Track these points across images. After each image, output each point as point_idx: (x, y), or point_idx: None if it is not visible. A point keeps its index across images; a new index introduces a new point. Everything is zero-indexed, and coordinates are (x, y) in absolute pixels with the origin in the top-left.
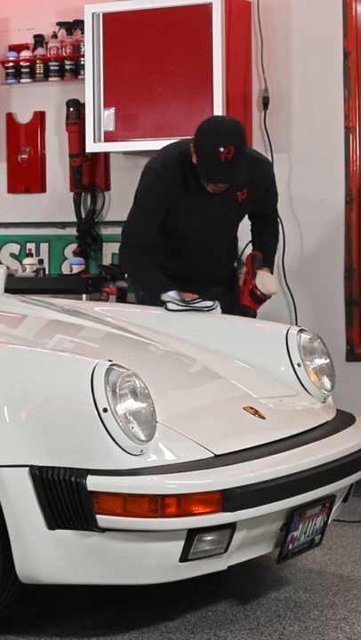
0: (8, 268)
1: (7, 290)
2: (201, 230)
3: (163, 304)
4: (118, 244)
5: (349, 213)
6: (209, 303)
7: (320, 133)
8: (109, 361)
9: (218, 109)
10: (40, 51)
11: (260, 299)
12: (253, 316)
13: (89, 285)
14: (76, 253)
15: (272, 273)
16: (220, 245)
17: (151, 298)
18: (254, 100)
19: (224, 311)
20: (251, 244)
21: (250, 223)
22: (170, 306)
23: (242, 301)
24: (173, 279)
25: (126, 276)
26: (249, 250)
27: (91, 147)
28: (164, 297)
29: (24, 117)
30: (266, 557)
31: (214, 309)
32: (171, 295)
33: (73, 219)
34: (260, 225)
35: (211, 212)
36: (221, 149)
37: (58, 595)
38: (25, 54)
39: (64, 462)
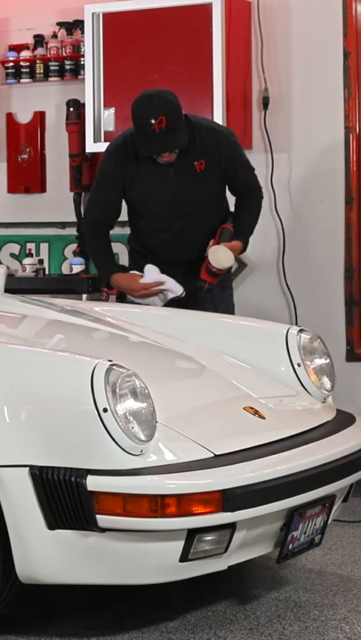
0: (8, 267)
1: (7, 290)
2: (164, 205)
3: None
4: (118, 244)
5: (349, 213)
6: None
7: (320, 133)
8: (109, 361)
9: (218, 109)
10: (40, 51)
11: (215, 273)
12: (208, 290)
13: (89, 285)
14: (76, 253)
15: (244, 248)
16: (194, 223)
17: (100, 276)
18: (254, 100)
19: (211, 308)
20: (230, 218)
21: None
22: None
23: (200, 275)
24: (162, 265)
25: None
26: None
27: (91, 147)
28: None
29: (24, 117)
30: (266, 557)
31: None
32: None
33: (73, 219)
34: (239, 200)
35: (169, 185)
36: (153, 121)
37: (58, 595)
38: (25, 54)
39: (64, 462)
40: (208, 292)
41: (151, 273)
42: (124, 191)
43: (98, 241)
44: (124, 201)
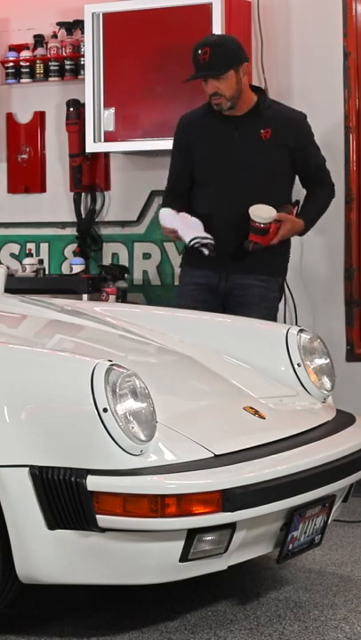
0: (8, 267)
1: (7, 290)
2: (228, 167)
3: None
4: (118, 244)
5: (349, 213)
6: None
7: (320, 133)
8: (109, 361)
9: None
10: (40, 51)
11: (259, 229)
12: (254, 249)
13: (89, 285)
14: (76, 253)
15: (306, 229)
16: (256, 191)
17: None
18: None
19: (244, 306)
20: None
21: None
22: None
23: (248, 237)
24: (200, 257)
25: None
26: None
27: (91, 147)
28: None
29: (24, 117)
30: (266, 557)
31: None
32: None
33: (73, 219)
34: (306, 188)
35: (230, 146)
36: (199, 52)
37: (58, 595)
38: (25, 54)
39: (64, 462)
40: (256, 296)
41: (167, 218)
42: (189, 154)
43: (170, 201)
44: None
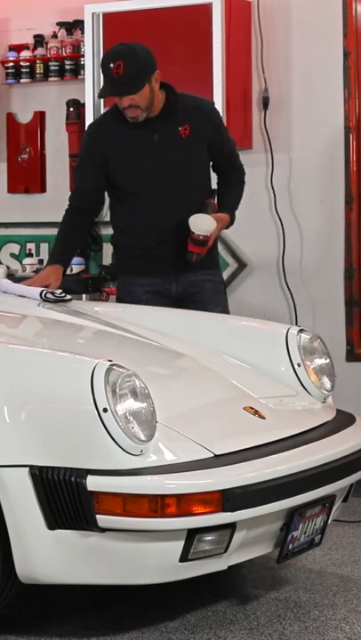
0: (8, 267)
1: None
2: (149, 174)
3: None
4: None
5: (349, 213)
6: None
7: (320, 133)
8: (109, 361)
9: (218, 109)
10: (40, 51)
11: (200, 241)
12: (197, 260)
13: (89, 285)
14: (76, 253)
15: (232, 221)
16: (183, 199)
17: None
18: (254, 100)
19: (205, 301)
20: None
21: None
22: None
23: (187, 247)
24: (146, 262)
25: None
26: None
27: None
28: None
29: (24, 117)
30: (266, 557)
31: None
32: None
33: None
34: (223, 176)
35: (151, 152)
36: (111, 65)
37: (58, 595)
38: (25, 54)
39: (64, 462)
40: (204, 299)
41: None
42: (105, 166)
43: (69, 223)
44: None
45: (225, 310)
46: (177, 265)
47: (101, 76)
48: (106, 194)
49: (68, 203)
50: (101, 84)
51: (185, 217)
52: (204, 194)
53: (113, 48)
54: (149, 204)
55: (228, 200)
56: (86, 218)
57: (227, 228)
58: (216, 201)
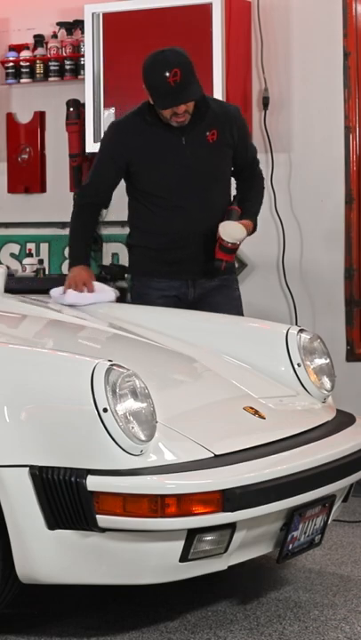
0: (8, 267)
1: (7, 290)
2: (175, 178)
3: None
4: (118, 244)
5: (349, 213)
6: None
7: (320, 133)
8: (109, 361)
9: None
10: (40, 51)
11: (229, 249)
12: (227, 268)
13: None
14: None
15: (255, 227)
16: (207, 204)
17: (70, 256)
18: (254, 100)
19: (217, 307)
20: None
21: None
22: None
23: (215, 255)
24: (164, 265)
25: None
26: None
27: (91, 147)
28: (52, 292)
29: (24, 117)
30: (266, 557)
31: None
32: (55, 293)
33: None
34: (241, 181)
35: (180, 156)
36: (167, 74)
37: (58, 595)
38: (25, 54)
39: (64, 462)
40: (219, 296)
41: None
42: (126, 166)
43: (79, 224)
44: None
45: (239, 313)
46: (195, 269)
47: (102, 76)
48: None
49: (77, 200)
50: (101, 84)
51: (208, 222)
52: (226, 199)
53: (159, 57)
54: (173, 207)
55: (250, 206)
56: (97, 214)
57: (250, 234)
58: (238, 205)
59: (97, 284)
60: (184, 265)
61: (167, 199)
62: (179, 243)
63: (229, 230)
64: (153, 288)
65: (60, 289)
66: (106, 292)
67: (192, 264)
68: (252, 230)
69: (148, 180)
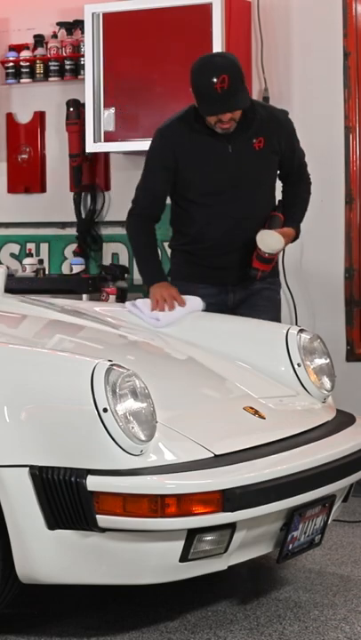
0: (8, 268)
1: (7, 290)
2: (220, 185)
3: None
4: (118, 244)
5: (349, 213)
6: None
7: (320, 133)
8: (109, 361)
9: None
10: (40, 51)
11: (266, 258)
12: (262, 277)
13: (89, 285)
14: (76, 253)
15: (297, 235)
16: (250, 211)
17: (143, 275)
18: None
19: (255, 310)
20: (277, 207)
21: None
22: (127, 305)
23: (251, 264)
24: (205, 270)
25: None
26: None
27: (91, 147)
28: (128, 304)
29: (24, 117)
30: (266, 557)
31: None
32: (138, 305)
33: (73, 219)
34: (287, 186)
35: (225, 163)
36: (215, 80)
37: (58, 595)
38: (25, 54)
39: (64, 462)
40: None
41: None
42: (175, 173)
43: (145, 239)
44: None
45: (275, 319)
46: (235, 275)
47: (102, 76)
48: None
49: (132, 215)
50: (101, 84)
51: (250, 228)
52: (270, 205)
53: (207, 62)
54: (216, 214)
55: (294, 212)
56: (155, 225)
57: (292, 242)
58: (282, 211)
59: (187, 297)
60: (224, 271)
61: (211, 206)
62: (220, 249)
63: (267, 240)
64: (193, 294)
65: (141, 305)
66: (193, 300)
67: (233, 270)
68: (293, 238)
69: (193, 186)
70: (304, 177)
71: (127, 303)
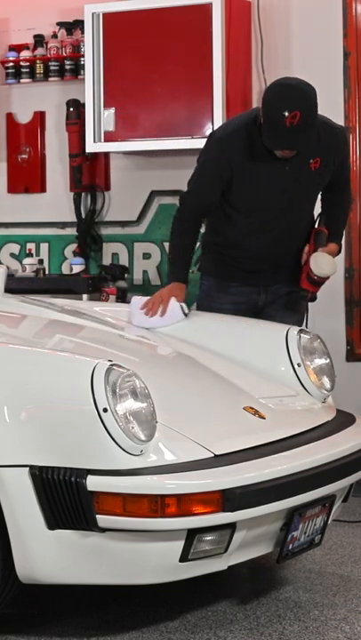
0: (8, 268)
1: (7, 290)
2: (271, 202)
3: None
4: (118, 244)
5: (349, 213)
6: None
7: None
8: (109, 361)
9: (218, 109)
10: (40, 51)
11: (316, 281)
12: (312, 299)
13: (89, 285)
14: (76, 253)
15: (340, 249)
16: (295, 225)
17: (169, 269)
18: (254, 100)
19: (282, 310)
20: (319, 219)
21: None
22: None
23: (300, 284)
24: (238, 271)
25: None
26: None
27: (91, 147)
28: (132, 299)
29: (24, 117)
30: (266, 557)
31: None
32: (134, 301)
33: (73, 219)
34: (331, 196)
35: (281, 182)
36: (286, 114)
37: (58, 595)
38: (25, 54)
39: (64, 462)
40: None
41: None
42: (227, 183)
43: (185, 241)
44: None
45: (299, 321)
46: (270, 278)
47: (102, 76)
48: None
49: (181, 213)
50: (101, 84)
51: (292, 240)
52: (312, 217)
53: (285, 92)
54: (262, 228)
55: (337, 227)
56: (199, 228)
57: (335, 256)
58: (324, 223)
59: (171, 305)
60: (259, 274)
61: (257, 219)
62: (257, 258)
63: (322, 264)
64: (223, 292)
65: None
66: (173, 312)
67: (267, 274)
68: (337, 253)
69: (242, 199)
70: (348, 188)
71: (133, 297)
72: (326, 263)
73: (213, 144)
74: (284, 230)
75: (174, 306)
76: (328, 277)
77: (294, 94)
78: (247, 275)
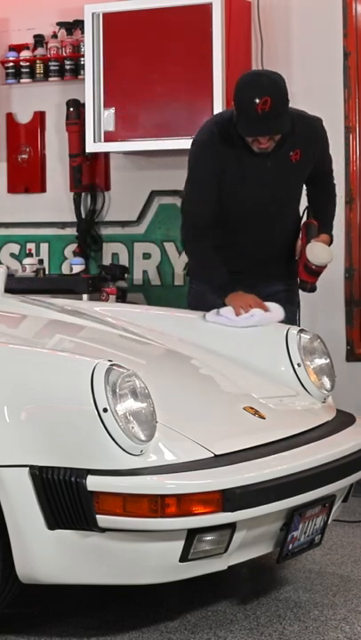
0: (8, 268)
1: (7, 290)
2: (258, 197)
3: (209, 308)
4: (118, 244)
5: (349, 213)
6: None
7: None
8: (109, 361)
9: (218, 109)
10: (40, 51)
11: (314, 271)
12: (312, 289)
13: (89, 285)
14: (76, 253)
15: (331, 239)
16: (281, 219)
17: (211, 288)
18: None
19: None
20: (306, 212)
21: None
22: (209, 317)
23: (299, 275)
24: (229, 274)
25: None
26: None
27: (91, 147)
28: (210, 315)
29: (24, 117)
30: (266, 557)
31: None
32: (223, 312)
33: (73, 219)
34: (316, 188)
35: (265, 177)
36: (257, 100)
37: (58, 595)
38: (25, 54)
39: (64, 462)
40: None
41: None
42: (220, 185)
43: (207, 252)
44: None
45: (293, 321)
46: (257, 277)
47: (102, 76)
48: None
49: (191, 231)
50: (101, 84)
51: (278, 235)
52: (297, 211)
53: (253, 80)
54: (246, 225)
55: (325, 218)
56: (213, 235)
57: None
58: (312, 216)
59: (267, 304)
60: (246, 273)
61: (244, 215)
62: (244, 256)
63: (318, 253)
64: (211, 293)
65: (226, 312)
66: (275, 310)
67: (255, 272)
68: (329, 244)
69: (230, 200)
70: (330, 181)
71: (208, 314)
72: (322, 251)
73: (196, 148)
74: (269, 225)
75: (271, 305)
76: (325, 266)
77: (264, 81)
78: (234, 275)
